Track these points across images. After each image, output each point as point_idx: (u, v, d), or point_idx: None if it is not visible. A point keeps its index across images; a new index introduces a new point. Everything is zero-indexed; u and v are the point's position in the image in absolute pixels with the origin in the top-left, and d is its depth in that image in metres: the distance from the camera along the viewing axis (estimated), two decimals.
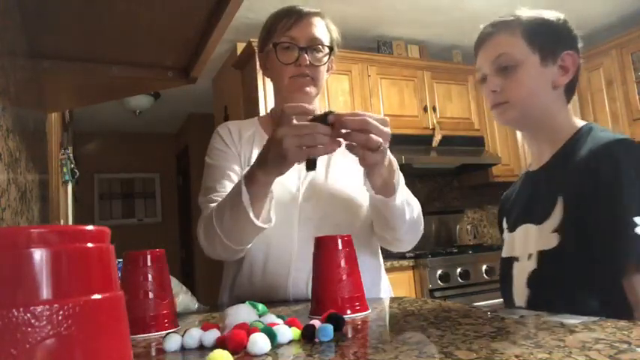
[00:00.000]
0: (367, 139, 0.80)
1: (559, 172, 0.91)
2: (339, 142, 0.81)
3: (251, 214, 0.87)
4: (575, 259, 0.83)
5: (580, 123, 0.95)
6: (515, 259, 0.97)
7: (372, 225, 1.09)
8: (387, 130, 0.82)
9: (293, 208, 1.04)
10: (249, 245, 0.97)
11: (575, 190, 0.85)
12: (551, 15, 0.96)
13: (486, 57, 0.98)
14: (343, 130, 0.80)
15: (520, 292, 0.93)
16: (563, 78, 0.95)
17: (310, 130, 0.78)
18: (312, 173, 1.07)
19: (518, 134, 3.80)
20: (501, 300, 1.03)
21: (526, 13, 0.97)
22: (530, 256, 0.91)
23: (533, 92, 0.94)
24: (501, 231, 1.08)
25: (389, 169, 0.90)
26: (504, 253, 1.02)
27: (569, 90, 0.97)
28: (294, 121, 0.80)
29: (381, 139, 0.80)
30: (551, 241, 0.86)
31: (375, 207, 0.98)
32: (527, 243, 0.93)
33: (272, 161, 0.82)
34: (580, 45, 0.97)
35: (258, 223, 0.88)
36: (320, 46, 1.06)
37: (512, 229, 1.00)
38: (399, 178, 0.93)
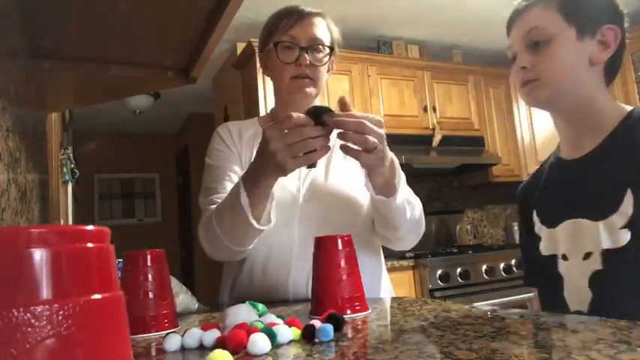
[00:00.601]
0: (364, 141, 0.79)
1: (618, 161, 0.82)
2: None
3: (250, 217, 0.87)
4: None
5: (626, 107, 0.87)
6: (563, 257, 0.89)
7: (373, 224, 1.09)
8: (382, 131, 0.81)
9: (293, 209, 1.04)
10: (251, 246, 0.97)
11: None
12: None
13: (517, 33, 0.90)
14: (339, 131, 0.79)
15: (577, 294, 0.85)
16: (603, 54, 0.86)
17: (301, 137, 0.76)
18: (312, 174, 1.07)
19: (519, 133, 3.81)
20: (501, 300, 1.01)
21: None
22: (588, 255, 0.83)
23: (568, 68, 0.86)
24: (527, 225, 1.00)
25: (390, 169, 0.89)
26: (544, 251, 0.93)
27: (611, 69, 0.88)
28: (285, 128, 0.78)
29: (376, 141, 0.80)
30: (621, 238, 0.78)
31: (376, 207, 0.98)
32: (581, 240, 0.84)
33: (271, 172, 0.82)
34: (627, 24, 0.88)
35: (257, 225, 0.88)
36: (320, 46, 1.07)
37: (552, 224, 0.91)
38: (400, 178, 0.93)
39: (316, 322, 0.59)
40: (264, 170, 0.83)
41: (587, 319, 0.56)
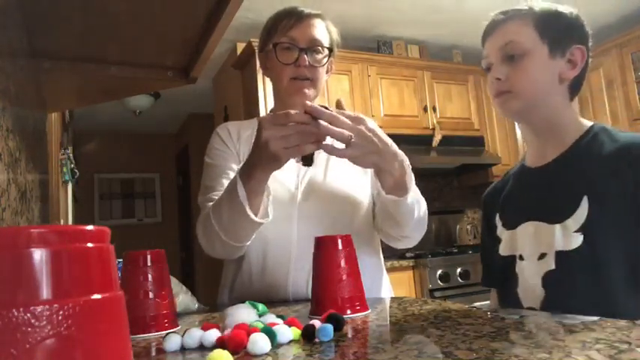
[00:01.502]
0: (338, 134, 0.79)
1: (578, 171, 0.88)
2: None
3: (247, 209, 0.87)
4: (600, 260, 0.80)
5: (587, 122, 0.94)
6: (520, 257, 0.94)
7: (372, 223, 1.09)
8: (361, 127, 0.81)
9: (292, 207, 1.04)
10: (249, 242, 0.97)
11: (602, 190, 0.82)
12: (565, 9, 0.94)
13: (494, 44, 0.96)
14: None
15: (531, 292, 0.91)
16: (571, 72, 0.92)
17: (293, 130, 0.77)
18: (310, 172, 1.07)
19: (519, 133, 3.81)
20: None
21: (540, 4, 0.94)
22: (542, 255, 0.89)
23: (540, 82, 0.91)
24: (489, 228, 1.05)
25: (400, 169, 0.88)
26: (503, 252, 0.99)
27: (575, 86, 0.95)
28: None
29: (350, 134, 0.79)
30: (573, 241, 0.84)
31: (385, 206, 0.97)
32: (538, 242, 0.90)
33: (266, 162, 0.82)
34: (590, 43, 0.96)
35: (254, 218, 0.88)
36: (319, 48, 1.07)
37: (511, 226, 0.98)
38: (411, 177, 0.92)
39: (316, 322, 0.59)
40: (259, 160, 0.83)
41: (587, 319, 0.56)
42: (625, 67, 3.43)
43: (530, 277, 0.91)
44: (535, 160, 0.98)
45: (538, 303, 0.89)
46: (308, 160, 0.83)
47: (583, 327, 0.53)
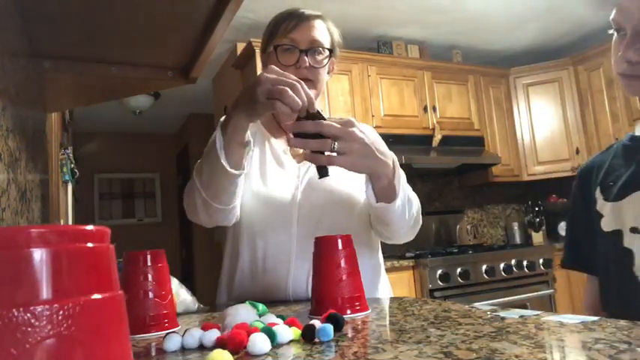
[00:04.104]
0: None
1: None
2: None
3: (222, 159, 0.87)
4: None
5: None
6: (633, 229, 0.84)
7: (371, 222, 1.09)
8: (350, 129, 0.82)
9: (291, 207, 1.04)
10: (230, 206, 0.97)
11: None
12: None
13: (633, 9, 0.75)
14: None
15: None
16: None
17: (285, 85, 0.79)
18: (310, 172, 1.07)
19: (519, 133, 3.81)
20: (501, 300, 1.01)
21: None
22: None
23: None
24: (586, 203, 0.95)
25: (392, 170, 0.89)
26: (607, 227, 0.89)
27: None
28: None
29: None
30: None
31: (375, 212, 0.98)
32: None
33: (245, 104, 0.84)
34: None
35: (228, 167, 0.88)
36: (320, 49, 1.07)
37: (617, 197, 0.87)
38: (400, 178, 0.92)
39: (316, 322, 0.59)
40: (241, 100, 0.85)
41: (587, 319, 0.56)
42: None
43: None
44: None
45: None
46: (324, 172, 0.83)
47: (583, 327, 0.53)
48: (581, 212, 0.98)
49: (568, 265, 1.02)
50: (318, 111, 0.82)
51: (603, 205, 0.90)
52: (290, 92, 0.78)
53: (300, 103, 0.78)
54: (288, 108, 0.78)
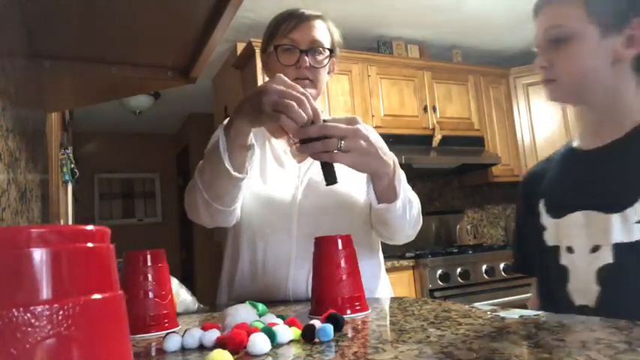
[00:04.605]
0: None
1: None
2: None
3: (226, 162, 0.87)
4: None
5: None
6: (568, 249, 0.86)
7: (371, 223, 1.09)
8: (355, 126, 0.82)
9: (292, 207, 1.04)
10: (232, 208, 0.96)
11: None
12: None
13: (540, 26, 0.88)
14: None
15: (583, 288, 0.82)
16: (630, 50, 0.81)
17: (292, 99, 0.77)
18: (310, 172, 1.07)
19: (519, 133, 3.81)
20: (501, 300, 1.01)
21: None
22: (596, 248, 0.80)
23: (588, 68, 0.82)
24: (533, 215, 0.96)
25: (392, 170, 0.90)
26: (549, 241, 0.90)
27: None
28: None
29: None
30: (635, 232, 0.76)
31: (376, 213, 0.98)
32: (592, 232, 0.82)
33: (248, 110, 0.83)
34: None
35: (231, 169, 0.87)
36: (320, 49, 1.07)
37: (556, 214, 0.89)
38: (400, 178, 0.92)
39: (316, 322, 0.59)
40: (244, 106, 0.84)
41: (587, 319, 0.56)
42: None
43: (582, 272, 0.83)
44: (588, 142, 0.89)
45: (593, 300, 0.81)
46: (331, 179, 0.82)
47: (583, 327, 0.53)
48: (527, 225, 0.99)
49: (517, 270, 1.04)
50: (324, 121, 0.82)
51: (546, 219, 0.93)
52: (296, 107, 0.76)
53: (306, 117, 0.77)
54: (293, 123, 0.77)
